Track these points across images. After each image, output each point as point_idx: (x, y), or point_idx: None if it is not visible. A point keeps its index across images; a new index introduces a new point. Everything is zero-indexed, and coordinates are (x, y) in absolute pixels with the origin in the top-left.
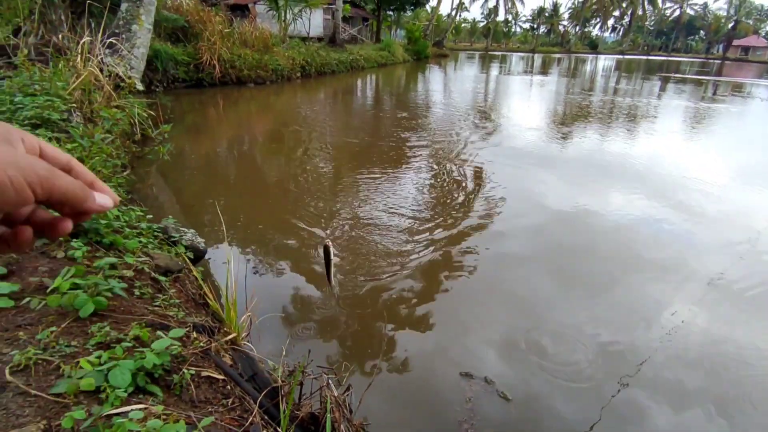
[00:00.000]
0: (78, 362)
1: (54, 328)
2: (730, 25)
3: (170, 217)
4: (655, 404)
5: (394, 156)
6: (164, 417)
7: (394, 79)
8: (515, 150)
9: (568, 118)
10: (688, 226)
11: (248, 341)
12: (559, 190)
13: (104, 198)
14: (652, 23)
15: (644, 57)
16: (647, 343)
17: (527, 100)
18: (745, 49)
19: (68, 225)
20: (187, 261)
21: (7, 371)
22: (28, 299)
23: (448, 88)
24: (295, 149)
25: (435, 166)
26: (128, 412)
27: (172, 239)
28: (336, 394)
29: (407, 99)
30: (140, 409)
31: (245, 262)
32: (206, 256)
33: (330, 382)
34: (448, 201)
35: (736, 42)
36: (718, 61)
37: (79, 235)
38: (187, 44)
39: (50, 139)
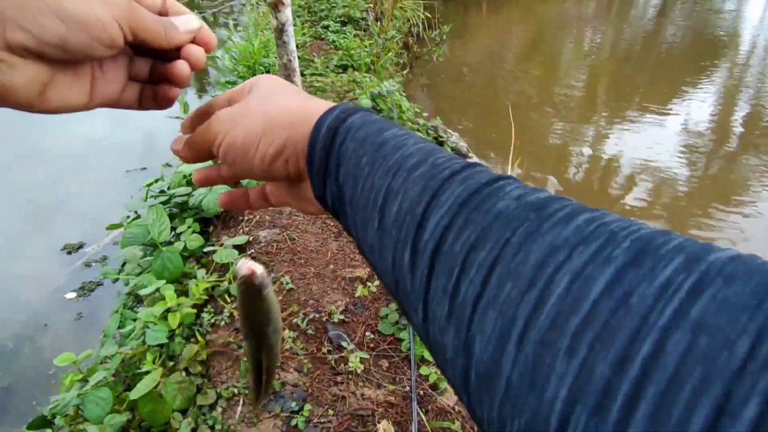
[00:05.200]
0: None
1: None
2: None
3: (438, 117)
4: None
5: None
6: None
7: None
8: None
9: None
10: None
11: None
12: None
13: (187, 20)
14: None
15: None
16: None
17: None
18: None
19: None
20: None
21: None
22: None
23: None
24: (557, 61)
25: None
26: None
27: (440, 139)
28: None
29: None
30: None
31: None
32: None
33: None
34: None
35: None
36: None
37: None
38: None
39: (354, 36)
